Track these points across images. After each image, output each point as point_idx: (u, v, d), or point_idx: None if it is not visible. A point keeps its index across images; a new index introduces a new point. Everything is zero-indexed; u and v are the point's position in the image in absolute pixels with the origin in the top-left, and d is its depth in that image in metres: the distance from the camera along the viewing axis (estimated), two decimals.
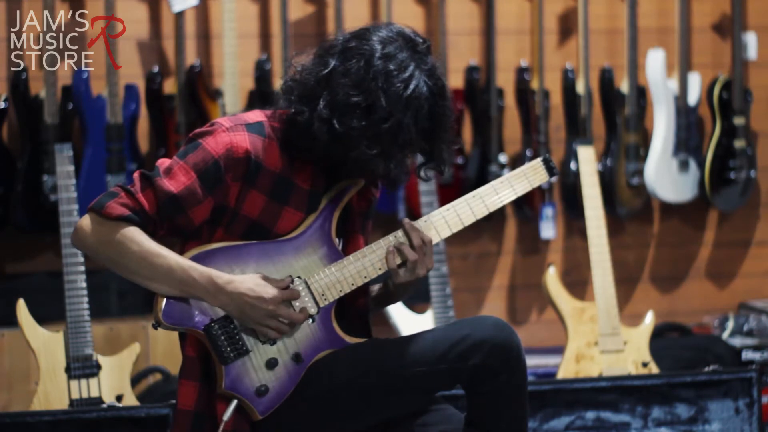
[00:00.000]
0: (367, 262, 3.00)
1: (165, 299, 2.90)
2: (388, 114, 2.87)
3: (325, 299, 2.98)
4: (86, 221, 2.91)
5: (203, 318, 2.91)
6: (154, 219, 2.91)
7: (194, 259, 2.91)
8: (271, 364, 2.94)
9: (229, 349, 2.92)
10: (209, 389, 2.96)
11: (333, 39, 2.96)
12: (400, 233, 3.03)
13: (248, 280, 2.91)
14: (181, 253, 2.94)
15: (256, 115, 3.00)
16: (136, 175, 2.93)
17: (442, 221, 3.06)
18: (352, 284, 3.00)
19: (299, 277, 2.98)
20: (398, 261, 3.00)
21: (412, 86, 2.88)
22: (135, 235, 2.89)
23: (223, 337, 2.92)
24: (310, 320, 2.98)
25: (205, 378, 2.96)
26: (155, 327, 2.94)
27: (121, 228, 2.88)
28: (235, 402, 2.92)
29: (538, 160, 3.12)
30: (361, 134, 2.88)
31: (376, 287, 3.17)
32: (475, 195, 3.08)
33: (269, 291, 2.91)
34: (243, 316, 2.92)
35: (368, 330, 3.12)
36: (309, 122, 2.90)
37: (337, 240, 3.03)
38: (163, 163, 2.94)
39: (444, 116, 2.95)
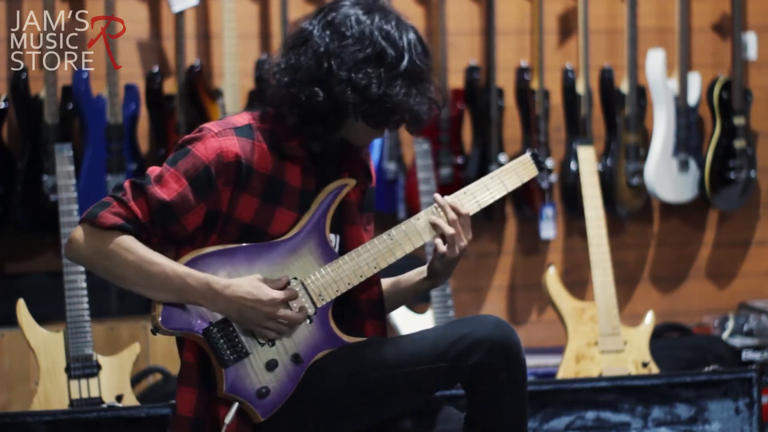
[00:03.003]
0: (362, 261, 3.00)
1: (162, 304, 2.90)
2: (399, 55, 2.93)
3: (322, 299, 2.98)
4: (79, 233, 2.91)
5: (202, 322, 2.91)
6: (147, 227, 2.90)
7: (189, 263, 2.91)
8: (271, 365, 2.94)
9: (229, 351, 2.92)
10: (208, 394, 2.95)
11: (301, 27, 2.98)
12: (395, 229, 3.02)
13: (245, 283, 2.91)
14: (176, 258, 2.93)
15: (244, 118, 3.00)
16: (126, 183, 2.92)
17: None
18: (349, 284, 2.99)
19: (295, 278, 2.97)
20: (437, 237, 3.00)
21: (403, 32, 2.95)
22: (129, 243, 2.88)
23: (222, 341, 2.92)
24: (308, 321, 2.98)
25: (204, 383, 2.96)
26: (154, 332, 2.94)
27: (115, 237, 2.88)
28: (236, 405, 2.92)
29: (527, 156, 3.13)
30: (382, 80, 2.91)
31: (415, 274, 3.14)
32: (467, 192, 3.08)
33: (267, 293, 2.91)
34: (242, 320, 2.91)
35: (383, 325, 3.10)
36: (328, 95, 2.91)
37: (332, 238, 3.03)
38: (154, 170, 2.94)
39: (430, 54, 3.02)
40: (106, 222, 2.87)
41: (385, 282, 3.16)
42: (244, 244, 2.95)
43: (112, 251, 2.88)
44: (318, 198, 3.01)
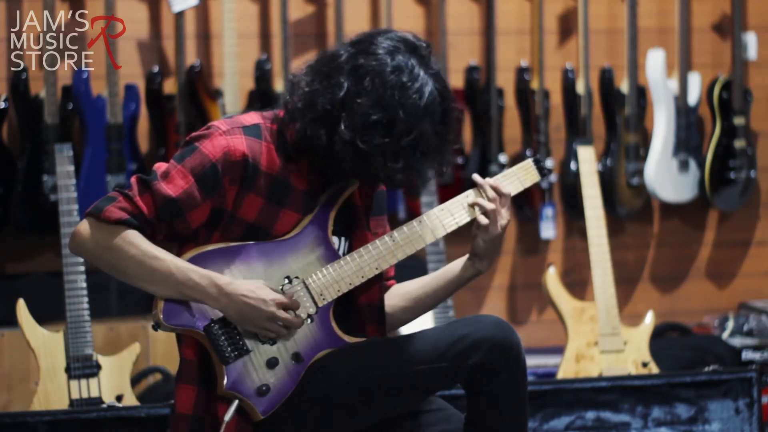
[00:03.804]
0: (364, 262, 3.00)
1: (164, 300, 2.90)
2: (409, 126, 2.89)
3: (324, 299, 2.99)
4: (84, 226, 2.91)
5: (203, 318, 2.92)
6: (152, 223, 2.90)
7: (192, 260, 2.91)
8: (272, 363, 2.94)
9: (230, 348, 2.92)
10: (207, 392, 2.96)
11: (336, 53, 2.94)
12: (397, 231, 3.03)
13: (248, 282, 2.91)
14: (179, 255, 2.94)
15: (253, 118, 3.00)
16: (133, 179, 2.92)
17: (437, 222, 3.06)
18: (350, 284, 3.00)
19: (297, 277, 2.98)
20: (479, 215, 3.03)
21: (426, 94, 2.90)
22: (134, 238, 2.89)
23: (223, 337, 2.92)
24: (309, 320, 2.98)
25: (203, 381, 2.96)
26: (155, 328, 2.94)
27: (119, 232, 2.88)
28: (236, 402, 2.92)
29: (529, 161, 3.13)
30: (384, 150, 2.89)
31: (457, 264, 3.13)
32: (468, 196, 3.08)
33: (270, 293, 2.91)
34: (242, 319, 2.91)
35: (383, 330, 3.10)
36: (329, 145, 2.90)
37: (335, 239, 3.03)
38: (161, 167, 2.94)
39: (453, 118, 2.98)
40: (111, 216, 2.88)
41: (426, 278, 3.17)
42: (246, 242, 2.95)
43: (116, 245, 2.88)
44: (321, 199, 3.01)
